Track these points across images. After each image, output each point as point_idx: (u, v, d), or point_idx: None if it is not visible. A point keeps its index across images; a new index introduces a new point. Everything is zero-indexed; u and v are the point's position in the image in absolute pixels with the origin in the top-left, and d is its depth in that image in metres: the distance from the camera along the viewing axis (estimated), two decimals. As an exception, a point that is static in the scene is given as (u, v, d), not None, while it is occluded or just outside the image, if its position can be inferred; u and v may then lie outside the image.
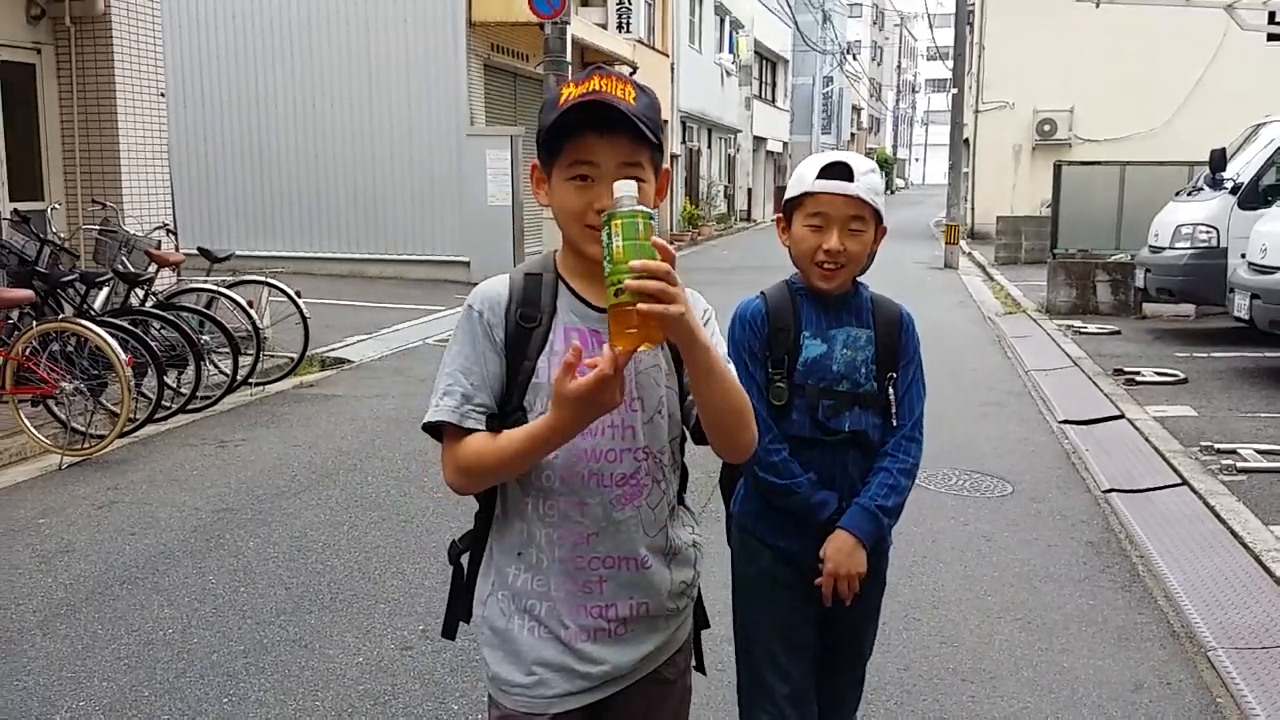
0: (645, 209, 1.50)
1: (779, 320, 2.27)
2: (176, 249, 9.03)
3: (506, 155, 14.48)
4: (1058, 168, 14.58)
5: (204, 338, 7.53)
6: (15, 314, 7.00)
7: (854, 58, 57.35)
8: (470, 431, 1.66)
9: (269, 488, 5.77)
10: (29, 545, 4.88)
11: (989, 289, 16.20)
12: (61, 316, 6.97)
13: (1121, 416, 7.27)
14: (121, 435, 6.47)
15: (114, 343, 6.27)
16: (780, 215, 2.33)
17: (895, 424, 2.29)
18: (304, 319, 8.55)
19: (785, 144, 44.12)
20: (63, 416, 6.51)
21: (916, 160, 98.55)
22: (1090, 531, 5.18)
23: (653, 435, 1.73)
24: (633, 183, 1.52)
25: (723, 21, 32.46)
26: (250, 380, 8.03)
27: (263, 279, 8.74)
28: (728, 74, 32.48)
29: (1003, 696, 3.53)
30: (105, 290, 7.47)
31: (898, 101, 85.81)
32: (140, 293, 7.83)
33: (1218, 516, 5.14)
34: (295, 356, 8.73)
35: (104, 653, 3.78)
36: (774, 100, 42.82)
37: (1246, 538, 4.81)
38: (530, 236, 14.60)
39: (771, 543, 2.34)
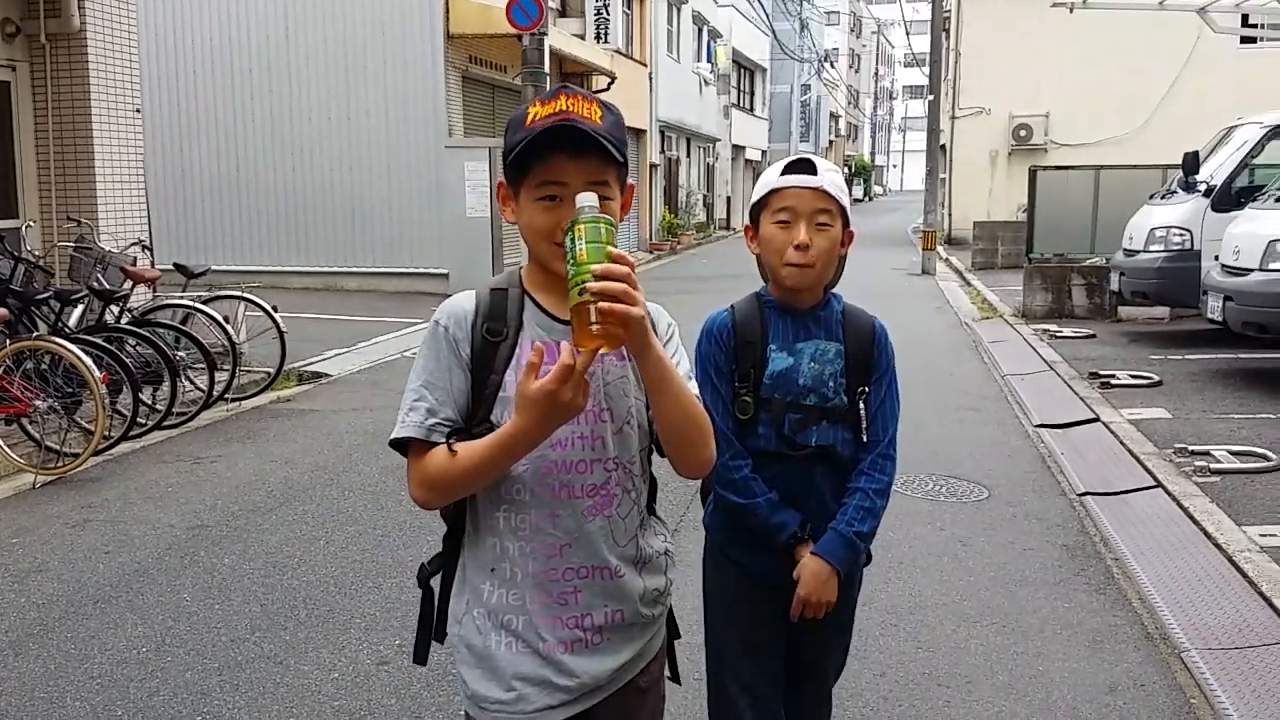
0: (607, 216, 1.55)
1: (746, 333, 2.26)
2: (152, 265, 8.99)
3: (485, 167, 14.43)
4: (1033, 173, 14.63)
5: (180, 354, 7.48)
6: (-11, 332, 6.95)
7: (831, 65, 57.59)
8: (436, 445, 1.67)
9: (244, 504, 5.74)
10: (2, 565, 4.83)
11: (966, 294, 16.29)
12: (36, 334, 6.91)
13: (1096, 420, 7.32)
14: (96, 453, 6.43)
15: (88, 360, 6.23)
16: (749, 225, 2.33)
17: (867, 440, 2.26)
18: (281, 333, 8.50)
19: (764, 152, 44.29)
20: (37, 435, 6.45)
21: (894, 166, 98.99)
22: (1066, 535, 5.21)
23: (622, 445, 1.75)
24: (593, 194, 1.56)
25: (701, 31, 32.55)
26: (226, 396, 8.00)
27: (239, 294, 8.67)
28: (706, 83, 32.57)
29: (978, 701, 3.55)
30: (80, 307, 7.43)
31: (875, 108, 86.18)
32: (115, 309, 7.77)
33: (1191, 518, 5.17)
34: (272, 371, 8.69)
35: (77, 672, 3.75)
36: (752, 109, 43.00)
37: (1220, 539, 4.84)
38: (509, 248, 14.57)
39: (736, 559, 2.34)
